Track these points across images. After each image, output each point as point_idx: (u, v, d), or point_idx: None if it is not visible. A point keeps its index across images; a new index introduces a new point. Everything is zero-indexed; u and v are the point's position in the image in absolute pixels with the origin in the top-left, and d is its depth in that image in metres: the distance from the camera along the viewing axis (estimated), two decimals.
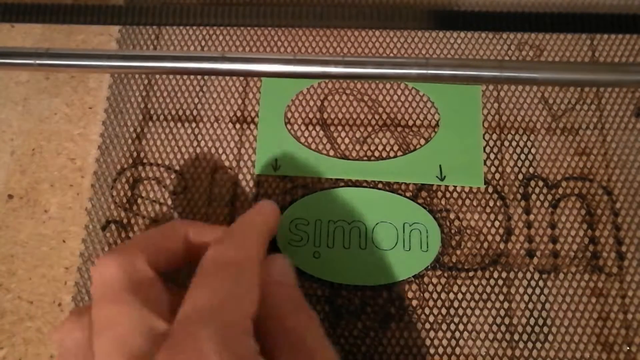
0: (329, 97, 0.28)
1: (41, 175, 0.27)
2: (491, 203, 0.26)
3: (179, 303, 0.18)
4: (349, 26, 0.29)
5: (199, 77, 0.28)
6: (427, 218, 0.26)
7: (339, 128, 0.27)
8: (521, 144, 0.27)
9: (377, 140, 0.27)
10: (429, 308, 0.25)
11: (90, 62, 0.26)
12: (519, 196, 0.26)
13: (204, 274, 0.19)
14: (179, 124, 0.28)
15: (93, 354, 0.18)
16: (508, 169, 0.26)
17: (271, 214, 0.23)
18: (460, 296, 0.25)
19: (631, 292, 0.24)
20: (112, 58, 0.26)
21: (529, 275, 0.25)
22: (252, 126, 0.27)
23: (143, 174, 0.27)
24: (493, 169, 0.26)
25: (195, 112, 0.28)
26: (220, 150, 0.27)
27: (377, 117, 0.27)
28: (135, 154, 0.27)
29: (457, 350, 0.24)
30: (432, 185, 0.26)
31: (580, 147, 0.27)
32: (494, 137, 0.27)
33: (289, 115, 0.28)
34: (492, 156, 0.27)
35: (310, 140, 0.27)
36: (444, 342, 0.24)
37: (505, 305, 0.24)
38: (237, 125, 0.27)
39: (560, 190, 0.26)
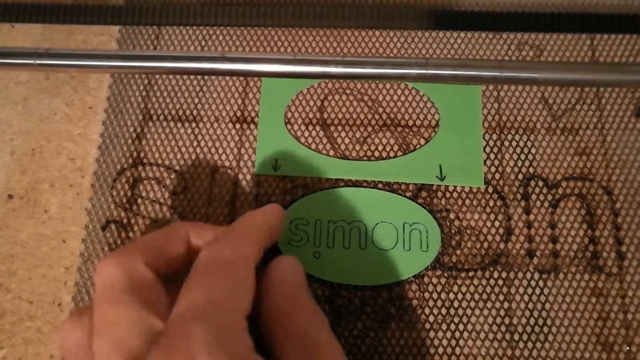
0: (329, 97, 0.28)
1: (41, 175, 0.27)
2: (491, 203, 0.26)
3: None
4: (349, 26, 0.29)
5: (199, 77, 0.28)
6: (427, 218, 0.26)
7: (339, 128, 0.27)
8: (521, 144, 0.27)
9: (377, 140, 0.27)
10: (429, 308, 0.25)
11: (90, 62, 0.26)
12: (519, 196, 0.26)
13: (197, 274, 0.19)
14: (179, 124, 0.28)
15: (93, 354, 0.18)
16: (508, 169, 0.26)
17: (272, 215, 0.23)
18: (460, 296, 0.25)
19: (631, 292, 0.24)
20: (112, 58, 0.26)
21: (529, 275, 0.25)
22: (252, 126, 0.27)
23: (143, 174, 0.27)
24: (493, 169, 0.26)
25: (195, 112, 0.28)
26: (220, 150, 0.27)
27: (377, 117, 0.27)
28: (135, 154, 0.27)
29: (457, 350, 0.24)
30: (432, 185, 0.26)
31: (580, 147, 0.27)
32: (494, 137, 0.27)
33: (289, 115, 0.28)
34: (492, 156, 0.27)
35: (310, 140, 0.27)
36: (444, 342, 0.24)
37: (505, 305, 0.24)
38: (237, 125, 0.27)
39: (560, 190, 0.26)
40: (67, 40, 0.29)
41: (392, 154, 0.27)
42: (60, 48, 0.27)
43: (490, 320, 0.24)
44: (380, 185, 0.26)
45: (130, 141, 0.27)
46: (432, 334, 0.24)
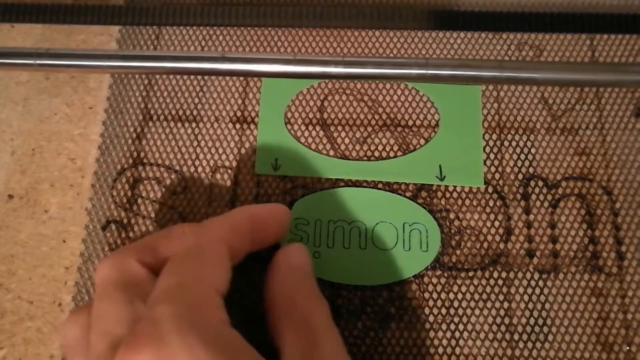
0: (329, 97, 0.28)
1: (41, 175, 0.27)
2: (491, 203, 0.26)
3: None
4: (349, 26, 0.29)
5: (199, 77, 0.28)
6: (427, 218, 0.26)
7: (339, 128, 0.27)
8: (521, 144, 0.27)
9: (377, 140, 0.27)
10: (429, 308, 0.25)
11: (90, 62, 0.26)
12: (518, 196, 0.26)
13: (170, 261, 0.20)
14: (179, 124, 0.28)
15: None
16: (508, 169, 0.26)
17: (265, 210, 0.23)
18: (460, 296, 0.25)
19: (631, 292, 0.24)
20: (112, 58, 0.26)
21: (528, 275, 0.25)
22: (252, 126, 0.27)
23: (143, 174, 0.27)
24: (493, 169, 0.26)
25: (195, 112, 0.28)
26: (220, 150, 0.27)
27: (377, 117, 0.27)
28: (135, 154, 0.27)
29: (457, 350, 0.24)
30: (432, 185, 0.26)
31: (580, 147, 0.27)
32: (494, 137, 0.27)
33: (289, 115, 0.28)
34: (492, 156, 0.27)
35: (310, 140, 0.27)
36: (444, 342, 0.24)
37: (505, 305, 0.25)
38: (237, 125, 0.27)
39: (560, 190, 0.26)
40: (67, 40, 0.29)
41: (392, 154, 0.27)
42: (60, 48, 0.27)
43: (490, 320, 0.24)
44: (380, 185, 0.26)
45: (130, 141, 0.27)
46: (432, 334, 0.24)
